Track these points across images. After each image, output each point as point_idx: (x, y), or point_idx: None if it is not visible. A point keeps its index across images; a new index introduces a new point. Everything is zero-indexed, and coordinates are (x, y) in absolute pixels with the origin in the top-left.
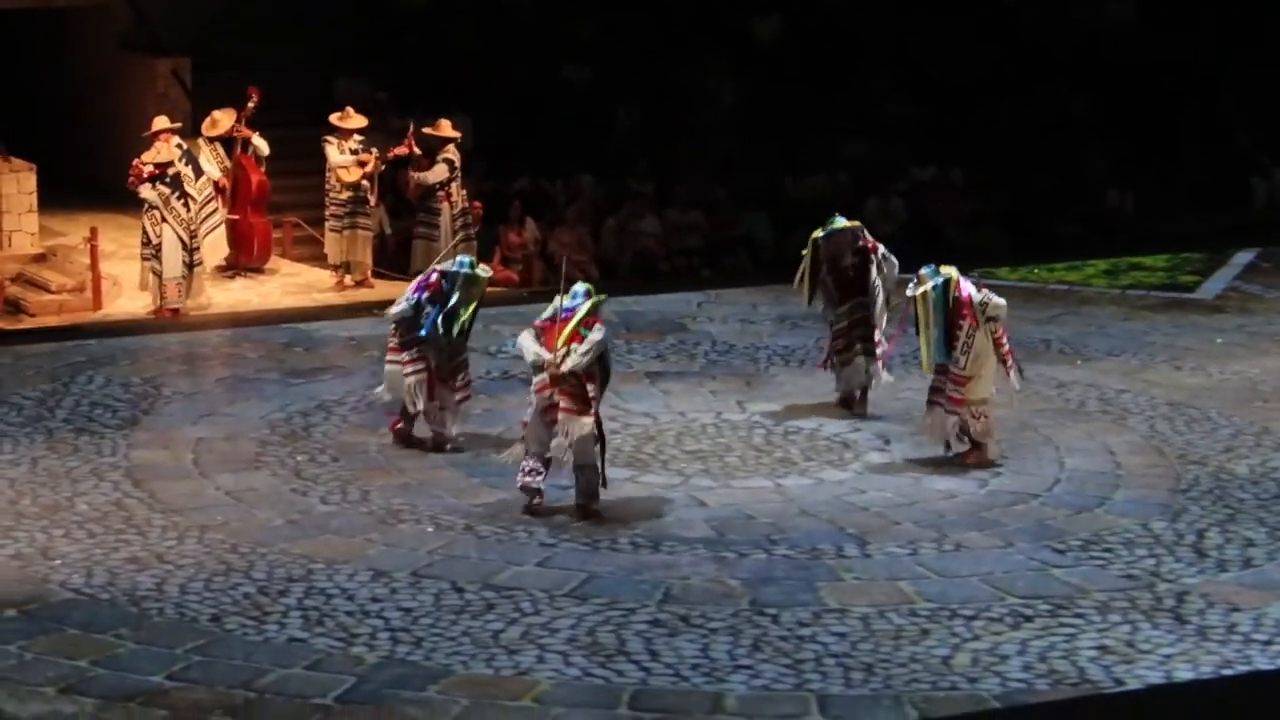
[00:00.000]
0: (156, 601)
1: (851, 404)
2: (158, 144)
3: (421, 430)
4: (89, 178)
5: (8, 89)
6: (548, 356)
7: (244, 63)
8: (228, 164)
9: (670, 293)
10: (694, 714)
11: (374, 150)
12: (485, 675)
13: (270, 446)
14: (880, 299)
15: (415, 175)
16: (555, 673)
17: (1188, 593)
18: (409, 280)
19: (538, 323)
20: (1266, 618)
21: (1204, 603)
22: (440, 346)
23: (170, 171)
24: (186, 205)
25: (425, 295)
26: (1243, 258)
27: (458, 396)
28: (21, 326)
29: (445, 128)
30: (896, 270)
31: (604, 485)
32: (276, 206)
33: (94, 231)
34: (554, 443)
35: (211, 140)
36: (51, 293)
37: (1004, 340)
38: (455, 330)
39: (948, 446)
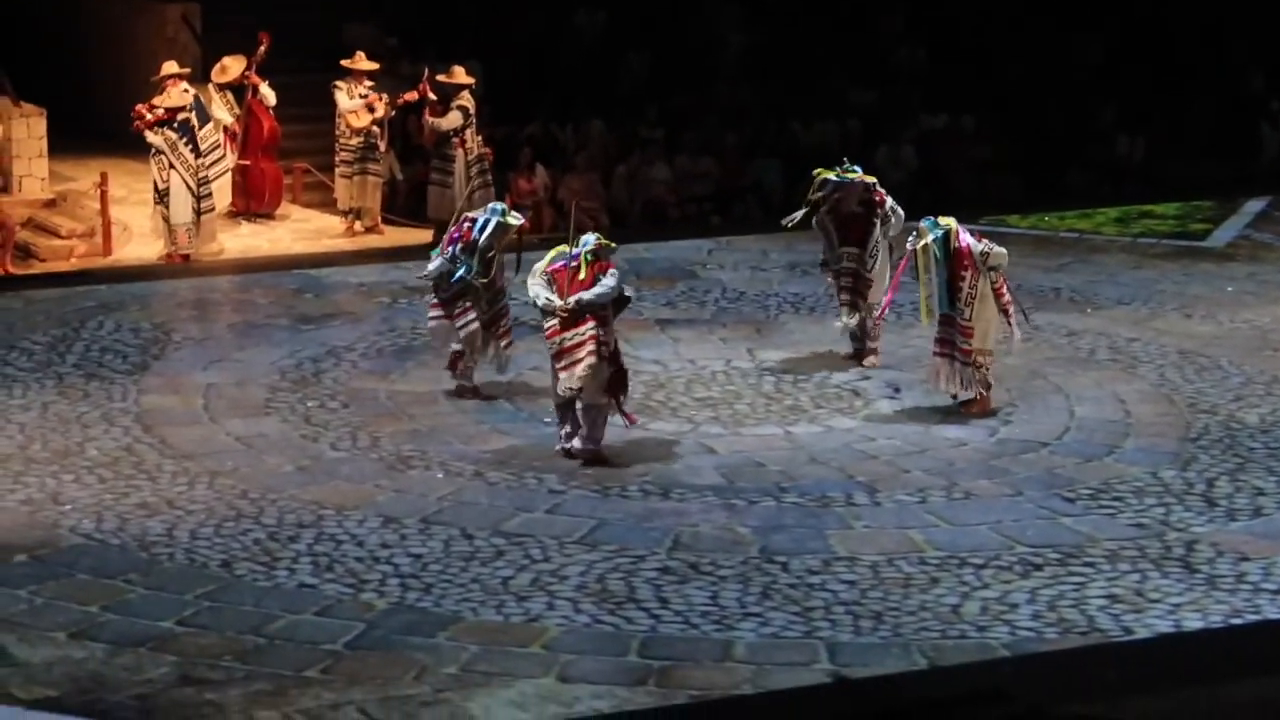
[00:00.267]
0: (166, 547)
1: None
2: (168, 89)
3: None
4: (99, 122)
5: (18, 33)
6: (558, 302)
7: (254, 8)
8: (238, 110)
9: (680, 240)
10: (703, 661)
11: (384, 96)
12: (495, 622)
13: (280, 392)
14: (882, 254)
15: (430, 121)
16: (565, 620)
17: (1197, 542)
18: (421, 226)
19: (547, 268)
20: (1276, 567)
21: (1213, 552)
22: (480, 293)
23: (180, 117)
24: (195, 151)
25: (459, 247)
26: (1254, 206)
27: (503, 343)
28: (32, 272)
29: (459, 74)
30: (901, 223)
31: (630, 423)
32: (287, 152)
33: (104, 177)
34: (560, 384)
35: (222, 87)
36: (62, 238)
37: (1004, 291)
38: (490, 275)
39: (955, 396)
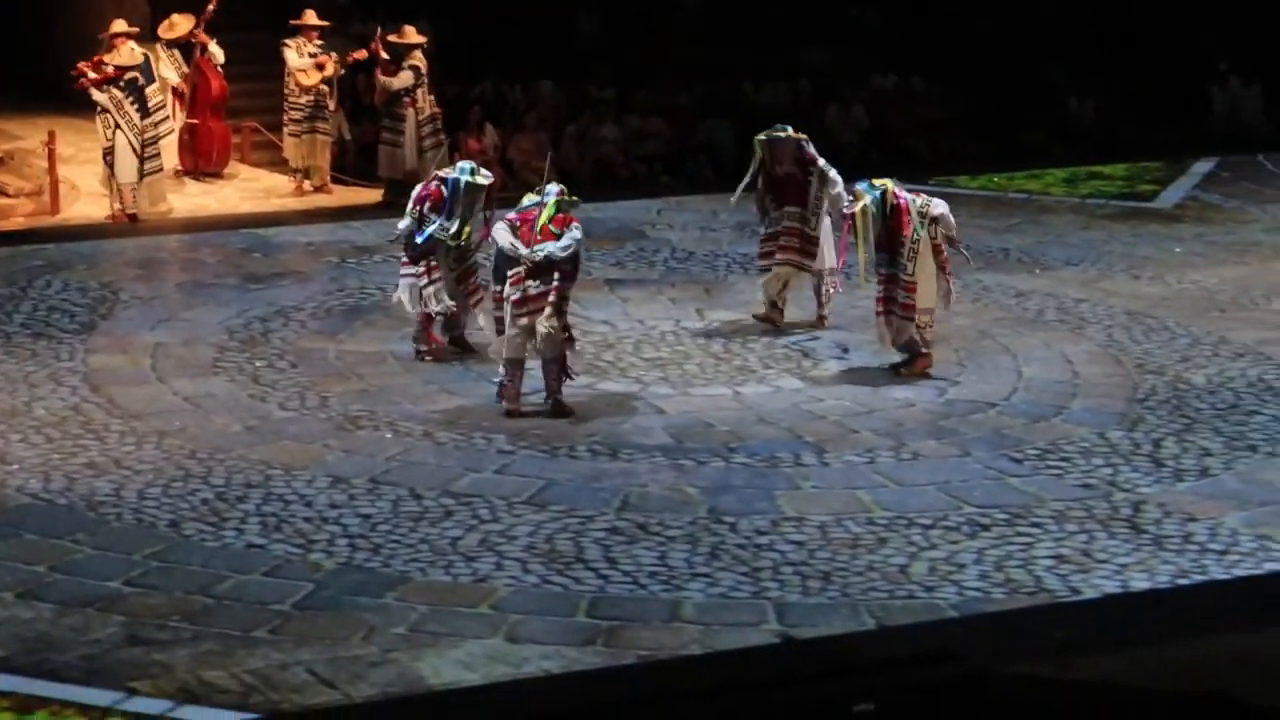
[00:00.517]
0: (114, 507)
1: (773, 317)
2: (117, 47)
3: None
4: (47, 80)
5: None
6: (524, 251)
7: None
8: (185, 69)
9: (630, 199)
10: (651, 622)
11: (333, 54)
12: (443, 582)
13: (228, 352)
14: (824, 213)
15: (381, 80)
16: (513, 580)
17: (1144, 502)
18: (370, 186)
19: (511, 217)
20: (1222, 527)
21: (1160, 512)
22: (448, 251)
23: (127, 76)
24: (141, 111)
25: (427, 205)
26: (1202, 167)
27: (470, 300)
28: None
29: (410, 34)
30: (839, 187)
31: (571, 378)
32: (235, 111)
33: (52, 135)
34: (540, 325)
35: (169, 44)
36: (8, 196)
37: (943, 248)
38: (464, 236)
39: (895, 366)
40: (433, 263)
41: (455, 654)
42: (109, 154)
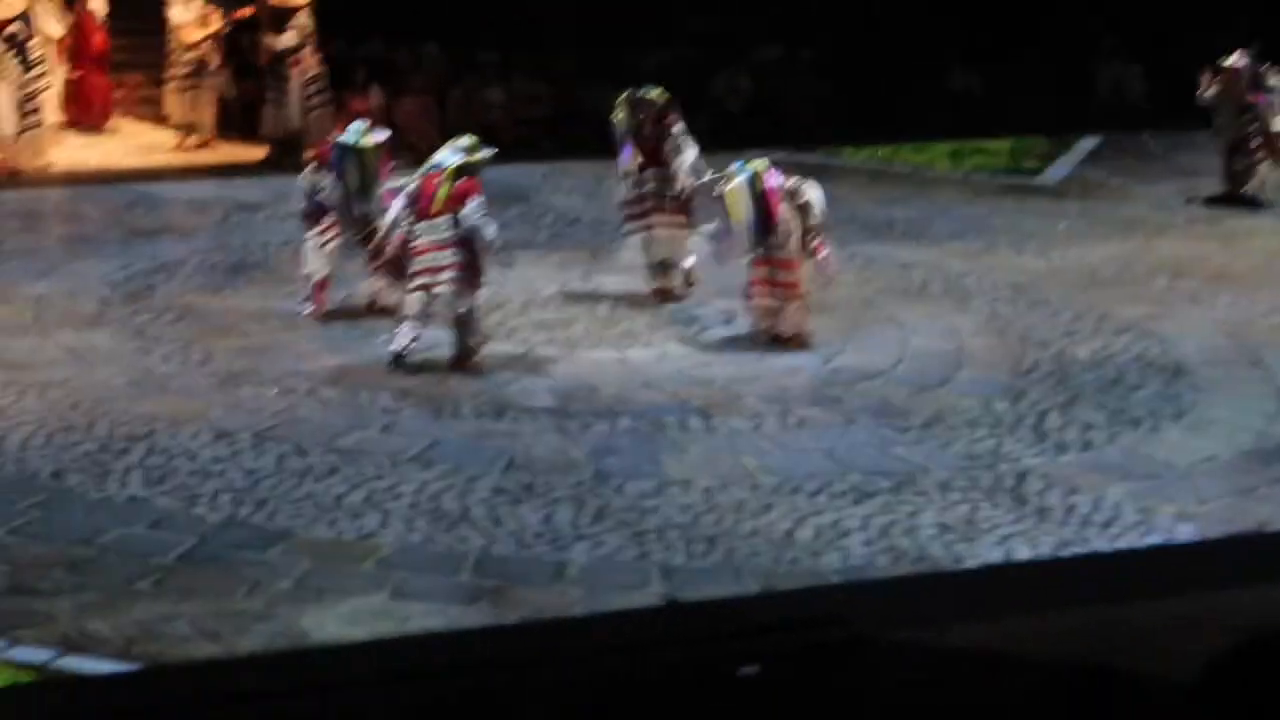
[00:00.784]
0: None
1: (667, 287)
2: None
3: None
4: None
5: None
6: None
7: None
8: (66, 21)
9: (514, 163)
10: (536, 582)
11: (219, 10)
12: (328, 538)
13: (112, 306)
14: (685, 178)
15: (266, 40)
16: (398, 538)
17: (1028, 473)
18: (254, 144)
19: (411, 189)
20: (1105, 500)
21: (1043, 483)
22: (345, 211)
23: (8, 30)
24: (22, 64)
25: (318, 165)
26: (1086, 144)
27: (371, 265)
28: None
29: None
30: (693, 156)
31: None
32: (119, 65)
33: None
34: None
35: None
36: None
37: (817, 231)
38: (368, 201)
39: (777, 336)
40: (330, 222)
41: (340, 610)
42: None
